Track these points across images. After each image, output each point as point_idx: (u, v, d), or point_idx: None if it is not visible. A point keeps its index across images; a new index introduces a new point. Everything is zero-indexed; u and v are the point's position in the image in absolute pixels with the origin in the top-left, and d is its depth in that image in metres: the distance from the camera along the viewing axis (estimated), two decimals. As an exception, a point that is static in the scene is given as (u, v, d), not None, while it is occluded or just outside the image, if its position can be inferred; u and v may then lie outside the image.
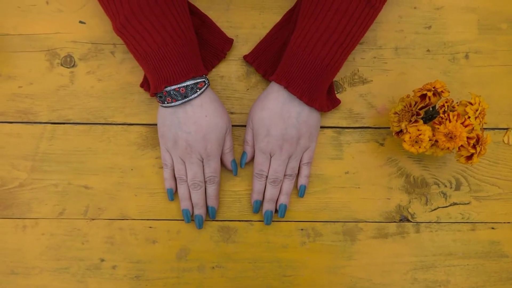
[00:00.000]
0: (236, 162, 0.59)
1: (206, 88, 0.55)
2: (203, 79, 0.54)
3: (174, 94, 0.53)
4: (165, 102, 0.54)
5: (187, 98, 0.53)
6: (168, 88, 0.53)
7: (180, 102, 0.53)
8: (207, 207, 0.58)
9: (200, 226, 0.58)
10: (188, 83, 0.53)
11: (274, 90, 0.55)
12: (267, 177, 0.57)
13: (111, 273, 0.59)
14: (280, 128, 0.55)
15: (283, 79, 0.54)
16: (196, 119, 0.54)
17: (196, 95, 0.53)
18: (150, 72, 0.53)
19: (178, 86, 0.53)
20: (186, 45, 0.53)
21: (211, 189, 0.57)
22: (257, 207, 0.58)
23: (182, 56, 0.52)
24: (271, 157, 0.57)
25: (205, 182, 0.57)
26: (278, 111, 0.55)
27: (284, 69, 0.54)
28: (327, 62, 0.53)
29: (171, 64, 0.52)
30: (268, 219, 0.58)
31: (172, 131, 0.55)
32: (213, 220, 0.59)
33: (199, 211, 0.57)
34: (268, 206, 0.58)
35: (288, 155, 0.56)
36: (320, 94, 0.55)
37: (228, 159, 0.58)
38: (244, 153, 0.59)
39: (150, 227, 0.59)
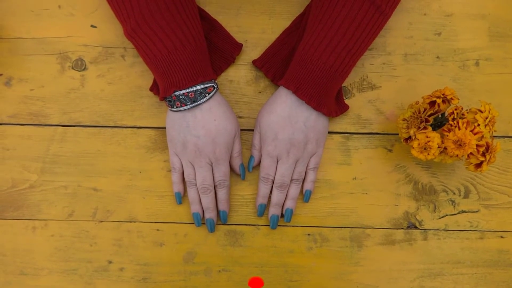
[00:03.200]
0: (244, 166, 0.59)
1: (215, 92, 0.55)
2: (212, 84, 0.54)
3: (183, 98, 0.53)
4: (174, 106, 0.54)
5: (196, 103, 0.53)
6: (177, 93, 0.53)
7: (189, 106, 0.53)
8: (218, 211, 0.58)
9: (212, 229, 0.58)
10: (197, 87, 0.53)
11: (282, 95, 0.56)
12: (273, 181, 0.57)
13: (119, 275, 0.59)
14: (287, 133, 0.55)
15: (292, 84, 0.54)
16: (205, 123, 0.54)
17: (205, 99, 0.54)
18: (159, 77, 0.54)
19: (187, 90, 0.53)
20: (196, 50, 0.53)
21: (222, 193, 0.57)
22: (262, 210, 0.58)
23: (191, 61, 0.53)
24: (278, 161, 0.57)
25: (215, 186, 0.57)
26: (286, 115, 0.55)
27: (292, 74, 0.55)
28: (336, 68, 0.53)
29: (181, 69, 0.52)
30: (274, 224, 0.58)
31: (181, 135, 0.55)
32: (220, 224, 0.59)
33: (210, 214, 0.57)
34: (274, 211, 0.58)
35: (295, 160, 0.56)
36: (328, 100, 0.55)
37: (236, 163, 0.58)
38: (251, 157, 0.59)
39: (158, 229, 0.59)
